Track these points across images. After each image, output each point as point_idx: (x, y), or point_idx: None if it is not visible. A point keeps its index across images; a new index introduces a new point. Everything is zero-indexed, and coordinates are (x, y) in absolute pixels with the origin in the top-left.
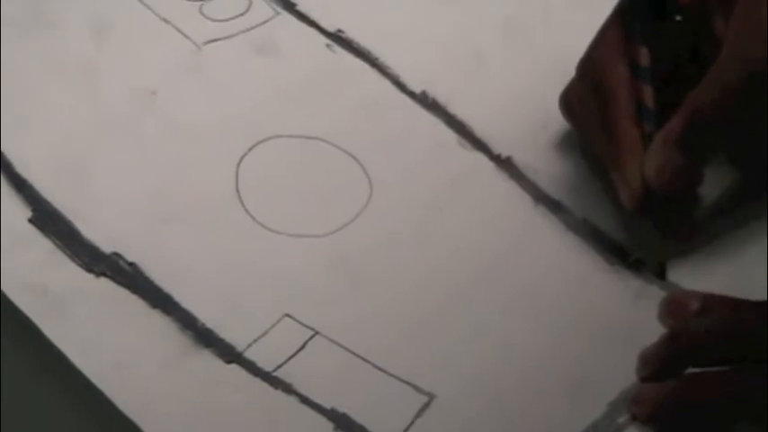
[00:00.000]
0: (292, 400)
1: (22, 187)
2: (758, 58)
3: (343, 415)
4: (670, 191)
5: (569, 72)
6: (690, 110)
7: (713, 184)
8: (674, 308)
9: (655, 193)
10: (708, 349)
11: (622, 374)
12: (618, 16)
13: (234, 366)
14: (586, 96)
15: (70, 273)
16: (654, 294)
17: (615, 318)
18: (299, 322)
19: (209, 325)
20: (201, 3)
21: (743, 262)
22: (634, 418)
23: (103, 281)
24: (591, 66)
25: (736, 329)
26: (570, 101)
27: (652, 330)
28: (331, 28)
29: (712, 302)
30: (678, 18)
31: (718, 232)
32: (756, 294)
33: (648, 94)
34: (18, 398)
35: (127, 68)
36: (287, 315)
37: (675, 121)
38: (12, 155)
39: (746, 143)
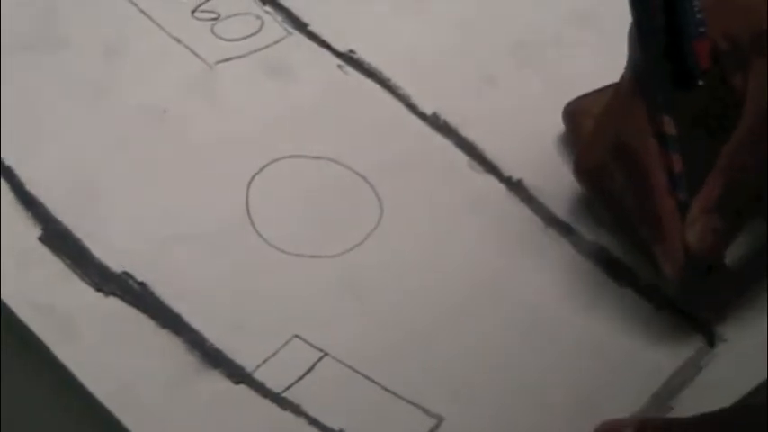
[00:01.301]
0: (301, 421)
1: (33, 206)
2: None
3: None
4: (713, 258)
5: (580, 93)
6: (725, 174)
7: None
8: None
9: (696, 260)
10: None
11: (631, 397)
12: (636, 89)
13: (242, 387)
14: (619, 176)
15: (80, 292)
16: (664, 318)
17: (624, 341)
18: (308, 343)
19: (218, 345)
20: (213, 22)
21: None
22: None
23: (113, 300)
24: (622, 148)
25: None
26: (596, 176)
27: (662, 353)
28: (343, 48)
29: (646, 428)
30: (701, 83)
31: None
32: None
33: (678, 162)
34: (25, 416)
35: (138, 87)
36: (296, 336)
37: (711, 186)
38: (22, 173)
39: None
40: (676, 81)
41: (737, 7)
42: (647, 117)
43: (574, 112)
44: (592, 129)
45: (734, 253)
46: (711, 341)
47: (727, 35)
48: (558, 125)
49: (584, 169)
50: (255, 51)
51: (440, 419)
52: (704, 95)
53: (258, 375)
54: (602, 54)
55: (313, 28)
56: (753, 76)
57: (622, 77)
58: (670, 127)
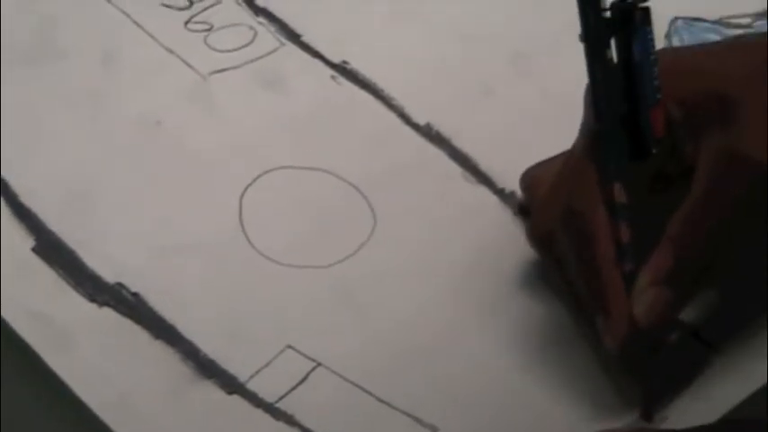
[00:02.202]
0: (294, 431)
1: (26, 217)
2: (737, 192)
3: None
4: (660, 330)
5: (577, 106)
6: (673, 245)
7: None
8: None
9: (642, 332)
10: None
11: (625, 407)
12: (589, 157)
13: (236, 397)
14: (565, 241)
15: (73, 303)
16: None
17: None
18: (302, 354)
19: (212, 356)
20: (207, 33)
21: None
22: None
23: (107, 311)
24: (571, 215)
25: None
26: (546, 243)
27: (657, 361)
28: (336, 59)
29: None
30: (654, 151)
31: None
32: None
33: (626, 232)
34: (20, 426)
35: (132, 98)
36: (289, 346)
37: (660, 257)
38: (16, 184)
39: (732, 273)
40: (630, 150)
41: (689, 70)
42: (597, 184)
43: (530, 180)
44: (544, 195)
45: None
46: (648, 416)
47: (679, 101)
48: (554, 136)
49: (535, 236)
50: (249, 62)
51: (434, 429)
52: (656, 162)
53: (251, 386)
54: None
55: (306, 39)
56: (704, 146)
57: (575, 142)
58: (620, 195)
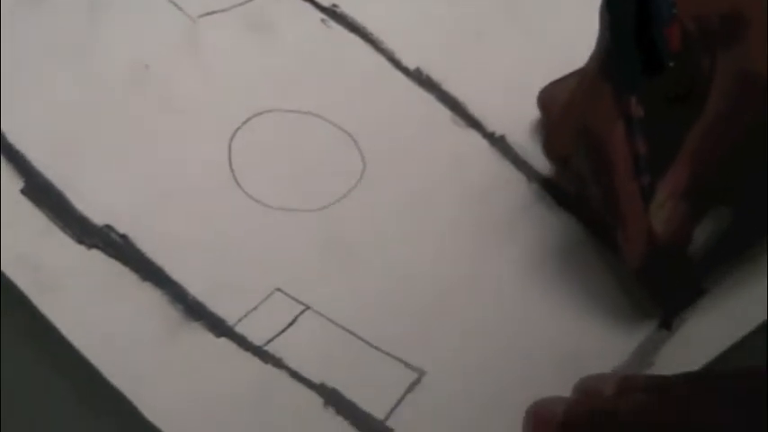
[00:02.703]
0: (282, 374)
1: (15, 159)
2: (753, 107)
3: (333, 390)
4: (679, 243)
5: (568, 54)
6: (691, 159)
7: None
8: (587, 393)
9: (661, 246)
10: (636, 430)
11: (614, 350)
12: (604, 71)
13: (224, 340)
14: (582, 159)
15: (61, 245)
16: None
17: (607, 293)
18: (291, 297)
19: (200, 298)
20: None
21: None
22: None
23: (95, 253)
24: (587, 133)
25: (668, 412)
26: (564, 161)
27: (645, 309)
28: (326, 2)
29: (627, 384)
30: (671, 64)
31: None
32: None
33: (643, 146)
34: (11, 369)
35: (121, 42)
36: (278, 290)
37: (678, 171)
38: (5, 125)
39: (745, 189)
40: (645, 64)
41: None
42: (613, 99)
43: (546, 99)
44: (558, 114)
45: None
46: (668, 325)
47: (695, 17)
48: (543, 80)
49: (551, 154)
50: (238, 5)
51: (421, 373)
52: (672, 76)
53: (240, 329)
54: (592, 10)
55: None
56: (720, 64)
57: (590, 58)
58: (637, 109)
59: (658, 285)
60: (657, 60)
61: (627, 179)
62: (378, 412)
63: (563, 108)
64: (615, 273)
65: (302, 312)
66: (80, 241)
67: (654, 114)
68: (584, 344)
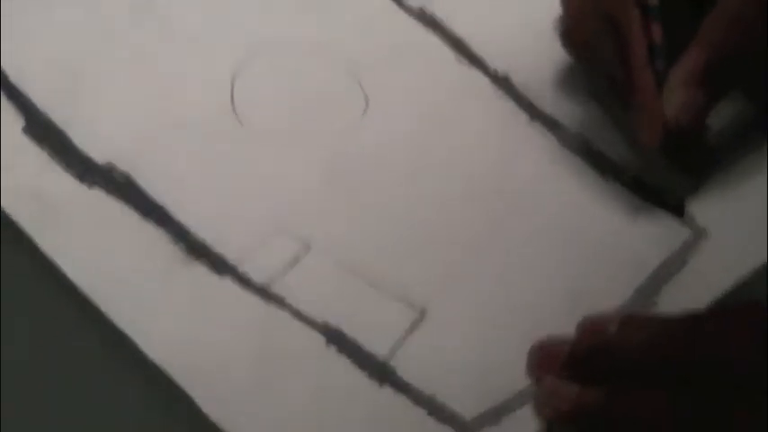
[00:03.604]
0: (284, 314)
1: (16, 96)
2: None
3: (335, 329)
4: (692, 128)
5: None
6: (703, 47)
7: (720, 116)
8: (590, 331)
9: (673, 131)
10: (639, 366)
11: (619, 289)
12: None
13: (227, 279)
14: (601, 45)
15: (63, 183)
16: (650, 212)
17: (611, 233)
18: (294, 236)
19: (203, 237)
20: None
21: (755, 192)
22: (540, 413)
23: (96, 191)
24: (605, 9)
25: (671, 347)
26: (581, 46)
27: (647, 247)
28: None
29: (630, 323)
30: None
31: (729, 164)
32: None
33: (658, 33)
34: (8, 304)
35: None
36: (281, 229)
37: (693, 58)
38: (6, 64)
39: (762, 74)
40: None
41: None
42: None
43: None
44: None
45: (713, 124)
46: (681, 211)
47: None
48: (546, 19)
49: (570, 40)
50: None
51: (424, 311)
52: None
53: (242, 268)
54: None
55: None
56: None
57: None
58: None
59: (673, 166)
60: None
61: (642, 64)
62: (380, 351)
63: None
64: (616, 210)
65: (305, 252)
66: (82, 179)
67: (673, 3)
68: (589, 281)
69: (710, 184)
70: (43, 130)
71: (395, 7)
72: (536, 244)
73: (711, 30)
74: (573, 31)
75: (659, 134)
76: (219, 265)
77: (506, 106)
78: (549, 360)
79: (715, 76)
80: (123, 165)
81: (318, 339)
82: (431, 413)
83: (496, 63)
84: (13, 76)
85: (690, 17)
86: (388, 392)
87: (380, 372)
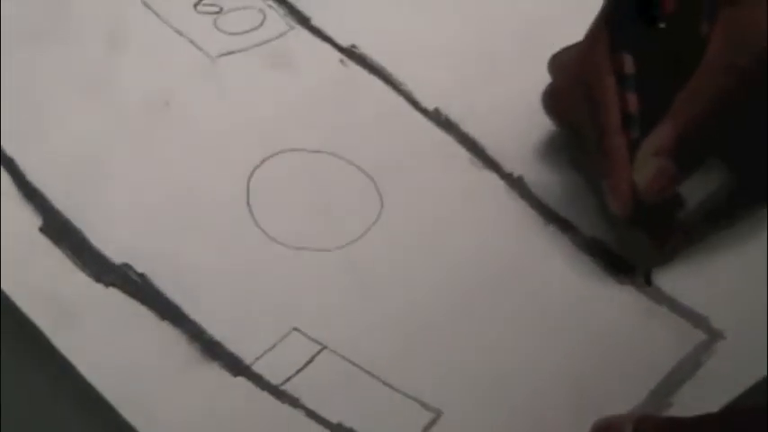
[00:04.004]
0: (299, 413)
1: (34, 196)
2: (744, 63)
3: (350, 430)
4: (662, 199)
5: None
6: (680, 118)
7: (702, 187)
8: None
9: (643, 200)
10: None
11: (631, 393)
12: (604, 24)
13: (241, 379)
14: (577, 104)
15: (80, 283)
16: (663, 313)
17: (624, 336)
18: (308, 336)
19: (218, 337)
20: (216, 16)
21: (731, 265)
22: None
23: (113, 291)
24: (583, 76)
25: None
26: (558, 107)
27: (661, 349)
28: (345, 43)
29: (645, 424)
30: (662, 25)
31: (707, 235)
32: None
33: (634, 102)
34: (24, 406)
35: (140, 79)
36: (295, 329)
37: (665, 129)
38: (24, 164)
39: (741, 143)
40: (641, 20)
41: None
42: (609, 52)
43: (554, 63)
44: (563, 68)
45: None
46: (648, 280)
47: None
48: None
49: (551, 106)
50: (257, 45)
51: (438, 413)
52: (669, 38)
53: (257, 368)
54: None
55: (315, 22)
56: (718, 26)
57: (596, 16)
58: (629, 66)
59: (641, 234)
60: (652, 18)
61: (613, 130)
62: None
63: (566, 62)
64: (631, 312)
65: (319, 352)
66: (98, 279)
67: (650, 75)
68: (602, 384)
69: (719, 281)
70: (60, 230)
71: (410, 108)
72: (551, 345)
73: (684, 103)
74: (554, 97)
75: (629, 203)
76: (234, 364)
77: (522, 209)
78: None
79: (686, 149)
80: (139, 265)
81: None
82: None
83: (511, 165)
84: (31, 175)
85: (670, 90)
86: None
87: None
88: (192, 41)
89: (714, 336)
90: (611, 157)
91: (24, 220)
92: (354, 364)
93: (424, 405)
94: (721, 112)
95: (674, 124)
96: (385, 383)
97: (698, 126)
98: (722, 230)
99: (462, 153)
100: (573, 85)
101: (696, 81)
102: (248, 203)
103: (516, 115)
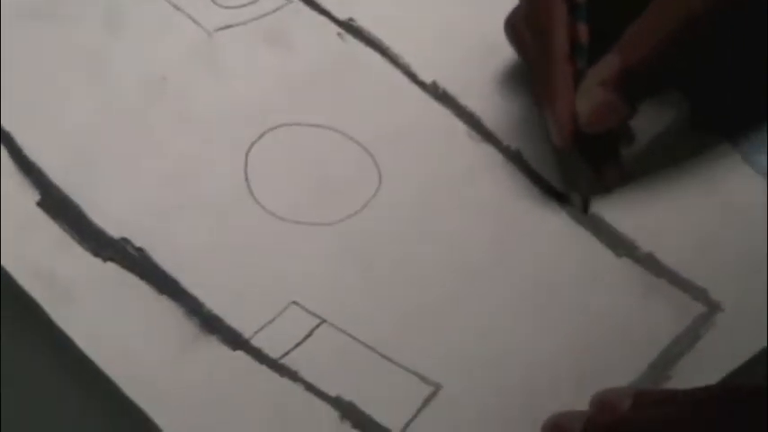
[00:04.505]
0: (298, 387)
1: (32, 172)
2: (693, 5)
3: (349, 403)
4: (603, 131)
5: None
6: (627, 52)
7: (657, 121)
8: (603, 407)
9: (584, 130)
10: None
11: (632, 364)
12: None
13: (240, 353)
14: (528, 34)
15: (78, 258)
16: (662, 285)
17: (623, 310)
18: (306, 310)
19: (216, 311)
20: None
21: (657, 189)
22: None
23: (111, 266)
24: (534, 6)
25: (685, 423)
26: (514, 29)
27: (660, 322)
28: (342, 16)
29: (644, 398)
30: None
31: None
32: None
33: (584, 33)
34: (23, 382)
35: (138, 55)
36: (294, 303)
37: (612, 60)
38: (22, 140)
39: (693, 76)
40: None
41: None
42: None
43: None
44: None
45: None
46: (585, 208)
47: None
48: None
49: (511, 35)
50: (255, 19)
51: (437, 387)
52: None
53: (256, 342)
54: None
55: None
56: None
57: None
58: None
59: (582, 165)
60: None
61: (563, 60)
62: (394, 426)
63: None
64: (629, 286)
65: (318, 325)
66: (96, 254)
67: (603, 7)
68: (602, 358)
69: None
70: (58, 205)
71: (408, 82)
72: (550, 320)
73: (632, 36)
74: (514, 25)
75: (569, 132)
76: (233, 338)
77: (519, 182)
78: (610, 408)
79: (632, 82)
80: (138, 240)
81: (332, 413)
82: None
83: (509, 138)
84: (29, 151)
85: (621, 23)
86: None
87: None
88: (189, 16)
89: (713, 308)
90: (555, 85)
91: (22, 194)
92: (353, 337)
93: (423, 379)
94: (668, 51)
95: (621, 57)
96: (384, 357)
97: (644, 61)
98: (669, 158)
99: (460, 126)
100: (527, 11)
101: (647, 17)
102: (246, 178)
103: (515, 87)
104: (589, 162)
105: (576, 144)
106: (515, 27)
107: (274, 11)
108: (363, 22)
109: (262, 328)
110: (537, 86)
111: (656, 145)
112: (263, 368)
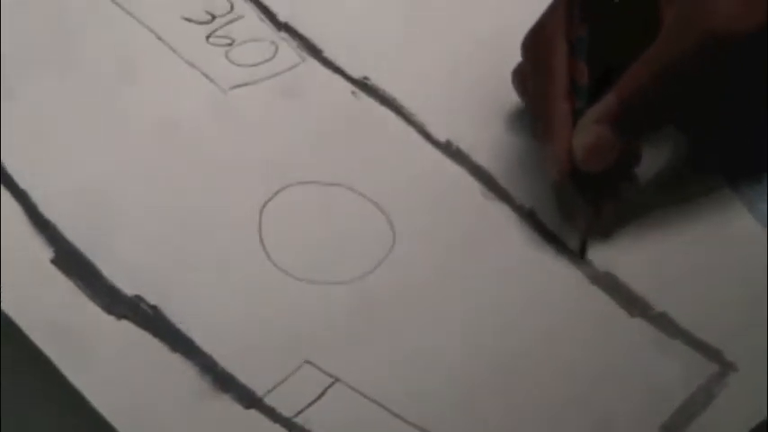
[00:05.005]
0: None
1: (46, 228)
2: (690, 44)
3: None
4: (599, 169)
5: None
6: (624, 89)
7: (655, 160)
8: None
9: (580, 168)
10: None
11: (642, 426)
12: None
13: (253, 412)
14: (530, 73)
15: (91, 314)
16: (676, 347)
17: (636, 369)
18: (320, 369)
19: (230, 370)
20: (228, 48)
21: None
22: None
23: (124, 323)
24: (536, 43)
25: None
26: (520, 79)
27: (672, 381)
28: (357, 75)
29: None
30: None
31: (651, 210)
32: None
33: (583, 72)
34: None
35: (152, 110)
36: (307, 362)
37: (609, 98)
38: (36, 195)
39: (693, 116)
40: None
41: None
42: (567, 22)
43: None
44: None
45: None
46: (582, 252)
47: None
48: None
49: (515, 80)
50: (270, 77)
51: None
52: (625, 9)
53: (269, 400)
54: None
55: (327, 54)
56: (673, 5)
57: None
58: (582, 30)
59: (578, 204)
60: None
61: (561, 97)
62: None
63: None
64: (643, 345)
65: (331, 384)
66: (110, 311)
67: (604, 48)
68: (614, 417)
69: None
70: (72, 262)
71: (422, 140)
72: (565, 376)
73: (630, 76)
74: (520, 75)
75: (565, 170)
76: (246, 397)
77: (534, 241)
78: None
79: (629, 119)
80: (152, 297)
81: None
82: None
83: (523, 197)
84: (43, 206)
85: (622, 65)
86: None
87: None
88: (203, 73)
89: (726, 368)
90: (553, 122)
91: (36, 251)
92: (366, 397)
93: None
94: (665, 88)
95: (617, 93)
96: (397, 416)
97: (640, 97)
98: (671, 204)
99: (474, 185)
100: (527, 54)
101: (646, 58)
102: (260, 236)
103: (528, 146)
104: (588, 202)
105: (573, 182)
106: (520, 78)
107: (289, 69)
108: (377, 80)
109: (275, 387)
110: (536, 123)
111: (658, 189)
112: (277, 427)
